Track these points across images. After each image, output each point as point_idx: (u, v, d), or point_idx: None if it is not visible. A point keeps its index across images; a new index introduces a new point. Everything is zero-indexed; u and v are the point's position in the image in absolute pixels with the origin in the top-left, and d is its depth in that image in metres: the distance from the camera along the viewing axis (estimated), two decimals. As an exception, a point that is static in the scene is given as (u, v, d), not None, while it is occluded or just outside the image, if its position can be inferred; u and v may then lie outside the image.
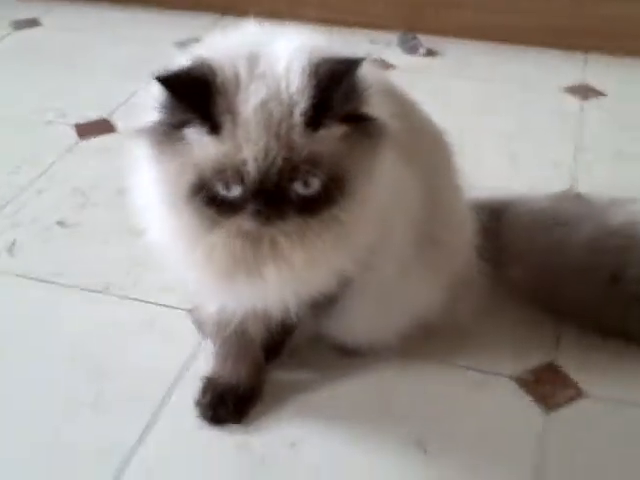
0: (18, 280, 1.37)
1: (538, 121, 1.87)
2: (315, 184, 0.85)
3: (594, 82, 2.02)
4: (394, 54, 2.14)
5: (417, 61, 2.14)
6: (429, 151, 1.11)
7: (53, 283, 1.36)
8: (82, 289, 1.35)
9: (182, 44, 2.19)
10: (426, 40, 2.19)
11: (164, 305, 1.31)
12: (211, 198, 0.86)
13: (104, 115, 1.86)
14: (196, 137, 0.85)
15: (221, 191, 0.85)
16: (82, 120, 1.84)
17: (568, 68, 2.09)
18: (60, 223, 1.51)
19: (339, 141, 0.86)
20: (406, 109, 1.08)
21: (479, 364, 1.21)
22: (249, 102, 0.83)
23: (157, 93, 0.86)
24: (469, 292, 1.21)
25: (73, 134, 1.79)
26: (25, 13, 2.38)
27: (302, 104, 0.83)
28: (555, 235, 1.26)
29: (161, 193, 0.91)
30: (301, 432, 1.11)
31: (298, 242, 0.91)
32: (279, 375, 1.19)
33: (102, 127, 1.81)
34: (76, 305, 1.33)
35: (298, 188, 0.85)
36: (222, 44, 0.92)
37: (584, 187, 1.58)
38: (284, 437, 1.10)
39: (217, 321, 1.10)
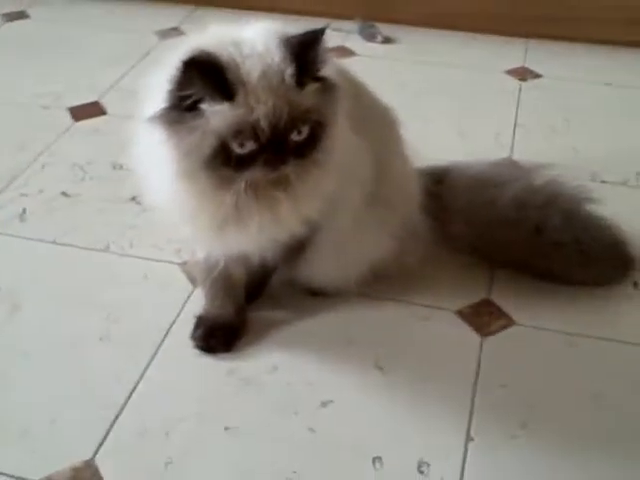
0: (30, 242, 1.57)
1: (482, 100, 2.09)
2: (305, 131, 1.07)
3: (533, 65, 2.25)
4: (354, 42, 2.35)
5: (375, 48, 2.34)
6: (377, 123, 1.33)
7: (60, 244, 1.57)
8: (86, 249, 1.55)
9: (161, 33, 2.38)
10: (383, 28, 2.39)
11: (158, 260, 1.52)
12: (228, 158, 1.06)
13: (95, 99, 2.05)
14: (211, 109, 1.04)
15: (236, 149, 1.05)
16: (75, 104, 2.03)
17: (510, 52, 2.32)
18: (63, 194, 1.71)
19: (315, 95, 1.08)
20: (357, 89, 1.30)
21: (425, 301, 1.44)
22: (251, 74, 1.04)
23: (169, 80, 1.05)
24: (416, 243, 1.42)
25: (68, 116, 1.98)
26: (13, 6, 2.55)
27: (289, 70, 1.05)
28: (489, 194, 1.47)
29: (177, 166, 1.08)
30: (280, 359, 1.32)
31: (286, 193, 1.12)
32: (260, 314, 1.41)
33: (94, 110, 2.01)
34: (81, 262, 1.53)
35: (294, 137, 1.07)
36: (204, 40, 1.10)
37: (520, 156, 1.81)
38: (266, 363, 1.32)
39: (205, 266, 1.32)
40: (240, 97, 1.04)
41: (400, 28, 2.42)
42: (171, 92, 1.05)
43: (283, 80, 1.05)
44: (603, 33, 2.33)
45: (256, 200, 1.12)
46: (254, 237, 1.17)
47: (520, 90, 2.14)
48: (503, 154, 1.84)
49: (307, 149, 1.09)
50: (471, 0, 2.39)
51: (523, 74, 2.21)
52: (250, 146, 1.05)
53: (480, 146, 1.87)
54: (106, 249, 1.56)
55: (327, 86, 1.11)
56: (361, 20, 2.41)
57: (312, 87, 1.08)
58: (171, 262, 1.52)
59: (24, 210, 1.65)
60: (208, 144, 1.05)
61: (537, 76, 2.20)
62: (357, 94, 1.29)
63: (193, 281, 1.46)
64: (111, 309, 1.41)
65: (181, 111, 1.05)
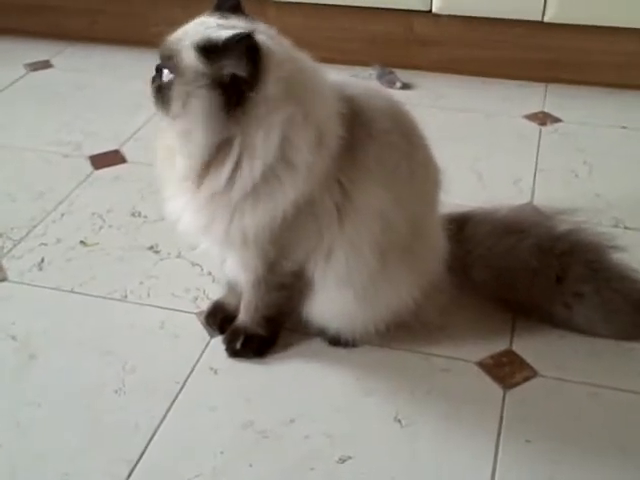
0: (47, 291, 1.57)
1: (502, 145, 2.08)
2: (166, 76, 1.16)
3: (552, 109, 2.24)
4: (373, 88, 2.37)
5: (394, 93, 2.33)
6: (423, 186, 1.34)
7: (78, 293, 1.56)
8: (104, 298, 1.55)
9: (182, 82, 2.41)
10: (402, 74, 2.40)
11: (175, 309, 1.51)
12: None
13: (115, 147, 2.07)
14: None
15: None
16: (95, 152, 2.05)
17: (529, 97, 2.31)
18: (82, 242, 1.71)
19: (201, 79, 1.14)
20: (412, 146, 1.30)
21: (445, 352, 1.41)
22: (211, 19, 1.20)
23: None
24: (437, 291, 1.41)
25: (88, 165, 2.00)
26: (37, 56, 2.59)
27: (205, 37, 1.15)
28: (509, 241, 1.45)
29: None
30: (297, 411, 1.30)
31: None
32: (276, 364, 1.39)
33: (114, 158, 2.02)
34: (99, 311, 1.52)
35: (163, 74, 1.17)
36: None
37: (541, 202, 1.80)
38: (283, 415, 1.29)
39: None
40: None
41: (419, 74, 2.43)
42: None
43: (198, 34, 1.15)
44: (619, 77, 2.33)
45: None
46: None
47: (540, 135, 2.13)
48: (524, 200, 1.82)
49: (165, 94, 1.17)
50: (489, 45, 2.39)
51: (543, 119, 2.20)
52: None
53: (500, 192, 1.86)
54: (123, 298, 1.55)
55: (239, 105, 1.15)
56: (380, 67, 2.42)
57: (202, 66, 1.13)
58: (188, 312, 1.51)
59: (42, 259, 1.65)
60: None
61: (557, 120, 2.19)
62: (411, 152, 1.30)
63: (210, 332, 1.45)
64: (127, 359, 1.40)
65: None
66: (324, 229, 1.26)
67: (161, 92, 1.18)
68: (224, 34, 1.13)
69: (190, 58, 1.14)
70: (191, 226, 1.27)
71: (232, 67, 1.12)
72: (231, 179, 1.19)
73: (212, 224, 1.24)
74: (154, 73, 1.20)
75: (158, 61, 1.19)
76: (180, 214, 1.27)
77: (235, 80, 1.13)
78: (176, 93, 1.16)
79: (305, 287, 1.33)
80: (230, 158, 1.18)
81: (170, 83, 1.16)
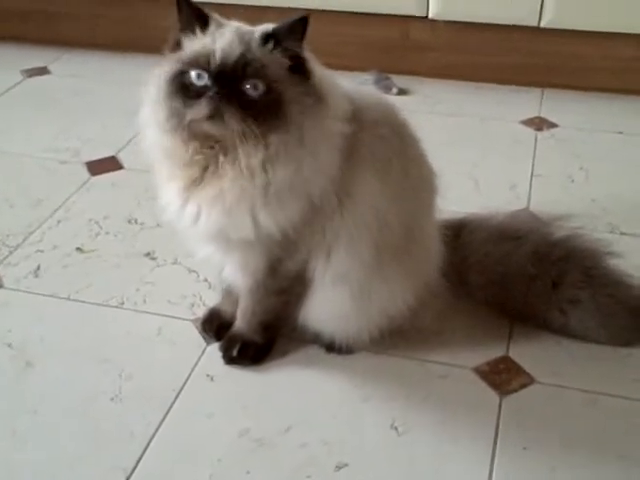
0: (43, 299, 1.56)
1: (498, 150, 2.09)
2: (260, 88, 1.11)
3: (548, 115, 2.25)
4: (370, 93, 2.37)
5: (390, 99, 2.35)
6: (417, 186, 1.33)
7: (74, 300, 1.56)
8: (100, 305, 1.55)
9: (179, 88, 2.41)
10: (398, 80, 2.40)
11: (171, 316, 1.51)
12: (182, 85, 1.13)
13: (112, 153, 2.07)
14: (188, 41, 1.15)
15: (193, 80, 1.12)
16: (92, 158, 2.05)
17: (526, 102, 2.32)
18: (78, 249, 1.71)
19: (284, 71, 1.13)
20: (405, 145, 1.30)
21: (442, 358, 1.41)
22: (231, 24, 1.18)
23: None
24: (433, 297, 1.41)
25: (85, 171, 2.00)
26: (35, 62, 2.60)
27: (261, 31, 1.15)
28: (506, 247, 1.46)
29: (150, 92, 1.19)
30: (294, 418, 1.30)
31: (231, 158, 1.15)
32: (272, 371, 1.39)
33: (111, 164, 2.02)
34: (95, 318, 1.52)
35: (247, 90, 1.11)
36: None
37: (537, 207, 1.80)
38: (280, 423, 1.29)
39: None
40: (210, 31, 1.14)
41: (415, 79, 2.43)
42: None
43: (252, 34, 1.15)
44: (616, 82, 2.33)
45: (199, 151, 1.17)
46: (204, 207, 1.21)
47: (536, 140, 2.13)
48: (520, 205, 1.83)
49: (259, 111, 1.11)
50: (485, 51, 2.40)
51: (539, 124, 2.21)
52: (204, 80, 1.11)
53: (497, 197, 1.86)
54: (120, 305, 1.55)
55: (311, 93, 1.15)
56: (376, 72, 2.42)
57: (279, 57, 1.13)
58: (184, 319, 1.51)
59: (39, 266, 1.65)
60: (172, 68, 1.15)
61: (553, 126, 2.20)
62: (403, 149, 1.30)
63: (206, 339, 1.45)
64: (123, 367, 1.40)
65: (173, 45, 1.18)
66: (327, 224, 1.25)
67: (259, 109, 1.11)
68: (272, 26, 1.15)
69: (273, 58, 1.12)
70: (215, 224, 1.21)
71: (293, 49, 1.13)
72: (297, 169, 1.16)
73: (246, 219, 1.19)
74: (212, 96, 1.10)
75: (206, 82, 1.11)
76: (199, 214, 1.22)
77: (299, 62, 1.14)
78: (288, 100, 1.12)
79: (304, 290, 1.33)
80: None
81: (275, 93, 1.11)
